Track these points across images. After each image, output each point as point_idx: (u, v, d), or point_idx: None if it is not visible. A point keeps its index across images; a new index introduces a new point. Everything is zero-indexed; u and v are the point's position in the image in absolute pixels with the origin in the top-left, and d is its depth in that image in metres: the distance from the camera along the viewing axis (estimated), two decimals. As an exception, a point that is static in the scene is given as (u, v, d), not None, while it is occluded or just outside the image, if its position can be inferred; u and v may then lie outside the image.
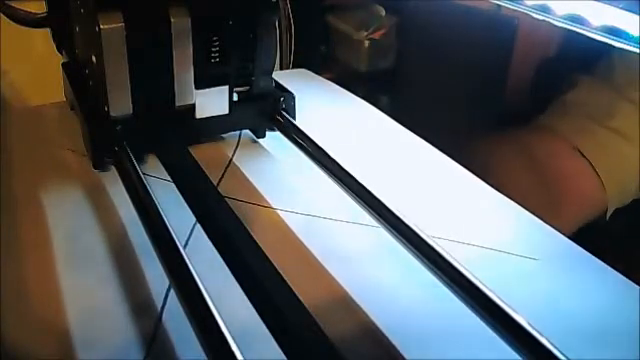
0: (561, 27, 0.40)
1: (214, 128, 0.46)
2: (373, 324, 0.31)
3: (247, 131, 0.48)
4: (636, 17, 0.35)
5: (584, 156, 0.64)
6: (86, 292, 0.32)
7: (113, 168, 0.41)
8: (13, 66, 0.61)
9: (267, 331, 0.30)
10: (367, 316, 0.31)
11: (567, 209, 0.64)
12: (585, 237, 0.39)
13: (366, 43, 0.77)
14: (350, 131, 0.50)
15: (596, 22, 0.38)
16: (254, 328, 0.30)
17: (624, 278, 0.34)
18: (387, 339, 0.30)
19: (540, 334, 0.27)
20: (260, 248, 0.35)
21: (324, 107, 0.53)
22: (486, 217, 0.40)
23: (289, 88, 0.48)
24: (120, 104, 0.40)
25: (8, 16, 0.51)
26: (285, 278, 0.33)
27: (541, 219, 0.39)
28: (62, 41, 0.50)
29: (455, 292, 0.31)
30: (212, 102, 0.44)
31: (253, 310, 0.31)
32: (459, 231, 0.38)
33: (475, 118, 0.72)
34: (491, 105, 0.72)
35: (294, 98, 0.47)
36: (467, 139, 0.69)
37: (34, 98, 0.58)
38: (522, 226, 0.40)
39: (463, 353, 0.30)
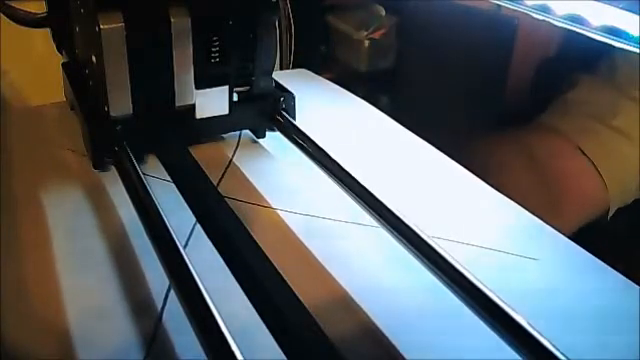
0: (561, 27, 0.40)
1: (214, 128, 0.46)
2: (373, 324, 0.31)
3: (247, 131, 0.48)
4: (636, 17, 0.35)
5: (585, 155, 0.64)
6: (86, 292, 0.32)
7: (113, 168, 0.41)
8: (13, 66, 0.61)
9: (267, 331, 0.30)
10: (367, 316, 0.31)
11: (568, 209, 0.64)
12: (586, 237, 0.39)
13: (366, 43, 0.77)
14: (350, 131, 0.50)
15: (596, 22, 0.38)
16: (254, 328, 0.30)
17: (624, 278, 0.34)
18: (387, 339, 0.30)
19: (540, 334, 0.27)
20: (260, 248, 0.35)
21: (324, 107, 0.53)
22: (486, 217, 0.40)
23: (289, 88, 0.48)
24: (120, 104, 0.40)
25: (8, 16, 0.51)
26: (285, 278, 0.33)
27: (541, 219, 0.39)
28: (62, 41, 0.50)
29: (455, 292, 0.31)
30: (212, 102, 0.44)
31: (253, 310, 0.31)
32: (459, 231, 0.38)
33: (475, 118, 0.72)
34: (491, 105, 0.72)
35: (294, 98, 0.47)
36: (467, 139, 0.68)
37: (34, 98, 0.58)
38: (522, 226, 0.40)
39: (463, 353, 0.30)
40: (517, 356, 0.27)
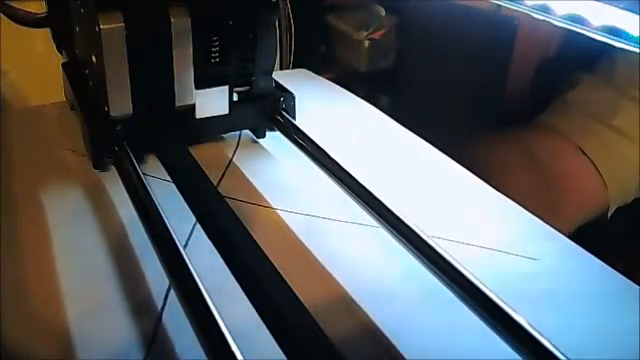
0: (561, 27, 0.40)
1: (214, 128, 0.46)
2: (373, 324, 0.31)
3: (247, 131, 0.48)
4: (636, 17, 0.35)
5: (585, 155, 0.64)
6: (86, 292, 0.32)
7: (113, 168, 0.41)
8: (13, 66, 0.61)
9: (267, 331, 0.30)
10: (367, 316, 0.31)
11: (568, 209, 0.64)
12: (585, 237, 0.39)
13: (366, 43, 0.77)
14: (350, 131, 0.50)
15: (596, 22, 0.38)
16: (254, 328, 0.30)
17: (624, 278, 0.34)
18: (387, 339, 0.30)
19: (540, 334, 0.27)
20: (260, 248, 0.35)
21: (324, 107, 0.53)
22: (486, 217, 0.40)
23: (289, 88, 0.48)
24: (120, 104, 0.40)
25: (8, 16, 0.51)
26: (285, 278, 0.33)
27: (541, 219, 0.39)
28: (62, 41, 0.50)
29: (455, 292, 0.31)
30: (212, 102, 0.44)
31: (253, 310, 0.31)
32: (459, 231, 0.38)
33: (475, 118, 0.72)
34: (491, 105, 0.72)
35: (294, 98, 0.47)
36: (467, 139, 0.68)
37: (34, 98, 0.58)
38: (522, 226, 0.40)
39: (463, 353, 0.30)
40: (517, 356, 0.27)
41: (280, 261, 0.34)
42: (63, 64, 0.49)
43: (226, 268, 0.34)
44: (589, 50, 0.64)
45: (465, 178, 0.44)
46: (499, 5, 0.66)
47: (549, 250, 0.37)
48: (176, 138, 0.44)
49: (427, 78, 0.77)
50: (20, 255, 0.35)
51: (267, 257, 0.34)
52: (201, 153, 0.44)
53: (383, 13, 0.78)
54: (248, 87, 0.45)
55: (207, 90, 0.43)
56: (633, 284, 0.34)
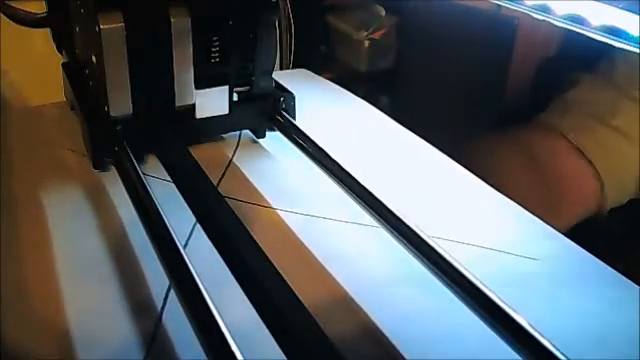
0: (561, 27, 0.40)
1: (214, 128, 0.46)
2: (373, 324, 0.31)
3: (247, 131, 0.48)
4: (636, 17, 0.35)
5: (585, 155, 0.64)
6: (86, 292, 0.32)
7: (113, 168, 0.41)
8: (13, 66, 0.61)
9: (267, 331, 0.30)
10: (367, 316, 0.31)
11: (568, 208, 0.64)
12: (585, 237, 0.39)
13: (366, 43, 0.77)
14: (350, 131, 0.50)
15: (596, 22, 0.38)
16: (254, 328, 0.30)
17: (624, 278, 0.34)
18: (387, 339, 0.30)
19: (540, 334, 0.27)
20: (260, 248, 0.35)
21: (324, 107, 0.53)
22: (486, 217, 0.40)
23: (289, 88, 0.48)
24: (120, 104, 0.40)
25: (8, 16, 0.51)
26: (285, 278, 0.33)
27: (541, 219, 0.39)
28: (62, 41, 0.50)
29: (455, 292, 0.31)
30: (212, 102, 0.44)
31: (253, 310, 0.31)
32: (459, 231, 0.38)
33: (475, 118, 0.72)
34: (491, 105, 0.72)
35: (294, 98, 0.47)
36: (467, 139, 0.68)
37: (34, 98, 0.58)
38: (522, 226, 0.40)
39: (463, 353, 0.30)
40: (517, 356, 0.27)
41: (280, 261, 0.34)
42: (63, 64, 0.49)
43: (226, 268, 0.34)
44: (589, 50, 0.64)
45: (465, 178, 0.44)
46: (499, 5, 0.66)
47: (549, 250, 0.37)
48: (176, 138, 0.44)
49: (427, 78, 0.76)
50: (20, 255, 0.35)
51: (267, 257, 0.34)
52: (201, 153, 0.44)
53: (383, 13, 0.78)
54: (248, 87, 0.45)
55: (207, 90, 0.43)
56: (633, 284, 0.34)
